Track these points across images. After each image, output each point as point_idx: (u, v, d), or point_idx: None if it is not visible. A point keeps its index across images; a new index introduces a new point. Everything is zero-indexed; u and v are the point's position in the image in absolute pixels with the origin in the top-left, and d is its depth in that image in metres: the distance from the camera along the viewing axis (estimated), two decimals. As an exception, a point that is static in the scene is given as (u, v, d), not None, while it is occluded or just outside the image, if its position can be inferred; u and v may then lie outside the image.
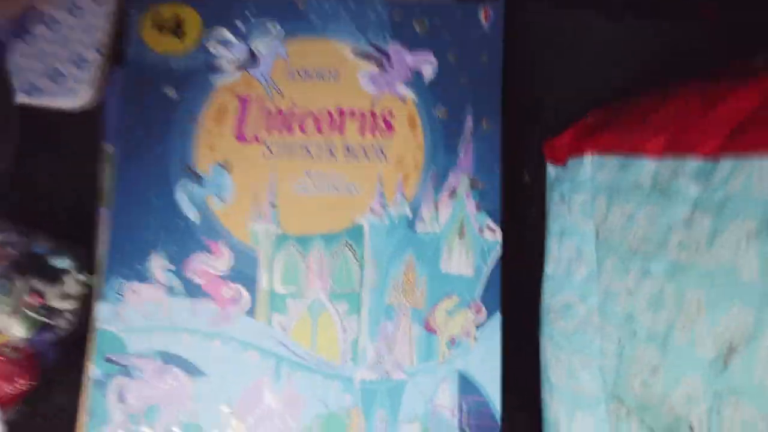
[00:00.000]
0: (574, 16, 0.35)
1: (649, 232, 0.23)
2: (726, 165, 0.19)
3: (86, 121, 0.33)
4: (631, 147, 0.26)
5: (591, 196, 0.28)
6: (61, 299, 0.30)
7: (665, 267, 0.21)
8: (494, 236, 0.31)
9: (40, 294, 0.30)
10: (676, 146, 0.23)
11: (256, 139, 0.32)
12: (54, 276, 0.31)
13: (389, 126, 0.32)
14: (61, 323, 0.30)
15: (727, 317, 0.17)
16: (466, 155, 0.31)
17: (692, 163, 0.21)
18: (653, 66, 0.34)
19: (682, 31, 0.34)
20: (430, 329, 0.30)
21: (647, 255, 0.22)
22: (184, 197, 0.31)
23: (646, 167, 0.24)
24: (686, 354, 0.19)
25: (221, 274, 0.30)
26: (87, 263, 0.32)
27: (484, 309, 0.30)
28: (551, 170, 0.33)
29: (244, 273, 0.31)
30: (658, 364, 0.20)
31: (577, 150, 0.30)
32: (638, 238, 0.23)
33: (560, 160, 0.32)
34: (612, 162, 0.27)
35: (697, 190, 0.20)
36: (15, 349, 0.29)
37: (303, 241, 0.31)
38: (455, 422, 0.30)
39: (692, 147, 0.21)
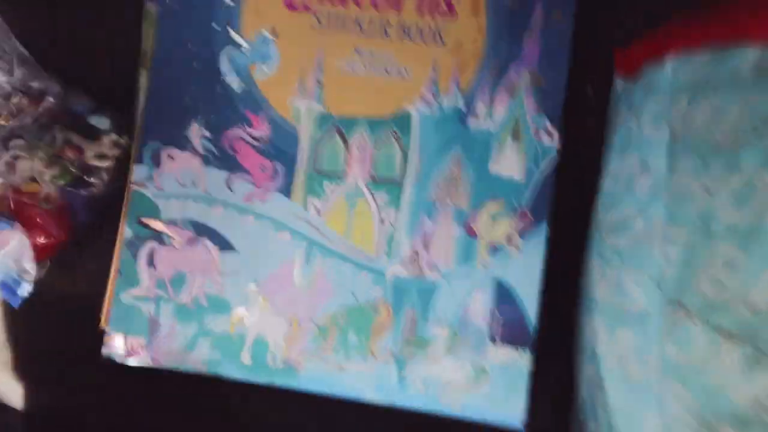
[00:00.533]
0: None
1: (742, 124, 0.20)
2: None
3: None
4: (729, 35, 0.23)
5: (669, 100, 0.25)
6: (97, 158, 0.30)
7: (760, 158, 0.18)
8: (551, 140, 0.28)
9: (78, 149, 0.29)
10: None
11: (306, 7, 0.29)
12: (92, 134, 0.30)
13: (451, 7, 0.29)
14: (96, 181, 0.30)
15: None
16: (531, 48, 0.29)
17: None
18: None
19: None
20: (471, 232, 0.29)
21: (736, 148, 0.20)
22: (226, 64, 0.29)
23: (749, 55, 0.21)
24: (779, 244, 0.17)
25: (259, 148, 0.29)
26: (125, 125, 0.31)
27: (531, 218, 0.28)
28: (619, 84, 0.30)
29: (282, 150, 0.29)
30: (738, 260, 0.18)
31: (657, 54, 0.27)
32: (726, 132, 0.21)
33: (632, 71, 0.29)
34: (700, 58, 0.24)
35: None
36: (48, 200, 0.29)
37: (346, 123, 0.29)
38: (486, 330, 0.28)
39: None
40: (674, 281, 0.22)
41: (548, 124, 0.29)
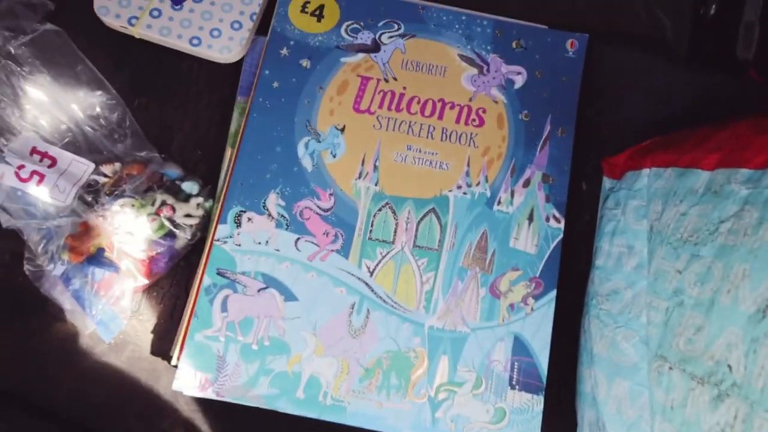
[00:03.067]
0: (638, 59, 0.41)
1: (699, 225, 0.28)
2: (774, 172, 0.25)
3: (226, 75, 0.39)
4: (687, 163, 0.32)
5: (646, 201, 0.34)
6: (185, 217, 0.36)
7: (714, 250, 0.26)
8: (558, 224, 0.36)
9: (172, 208, 0.35)
10: (729, 162, 0.28)
11: (370, 111, 0.37)
12: (183, 197, 0.36)
13: (481, 120, 0.38)
14: (182, 236, 0.35)
15: (767, 280, 0.22)
16: (542, 154, 0.37)
17: (744, 172, 0.26)
18: (698, 109, 0.40)
19: (728, 85, 0.40)
20: (494, 294, 0.35)
21: (697, 242, 0.28)
22: (303, 150, 0.37)
23: (701, 177, 0.30)
24: (729, 312, 0.24)
25: (324, 217, 0.36)
26: (209, 192, 0.37)
27: (543, 284, 0.35)
28: (606, 182, 0.39)
29: (343, 219, 0.36)
30: (702, 324, 0.25)
31: (636, 165, 0.36)
32: (689, 231, 0.29)
33: (616, 174, 0.38)
34: (668, 173, 0.33)
35: (746, 192, 0.26)
36: (143, 250, 0.34)
37: (397, 201, 0.36)
38: (506, 377, 0.34)
39: (743, 162, 0.27)
40: (658, 340, 0.28)
41: (555, 212, 0.37)
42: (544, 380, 0.34)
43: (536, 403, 0.34)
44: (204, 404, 0.34)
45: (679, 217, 0.30)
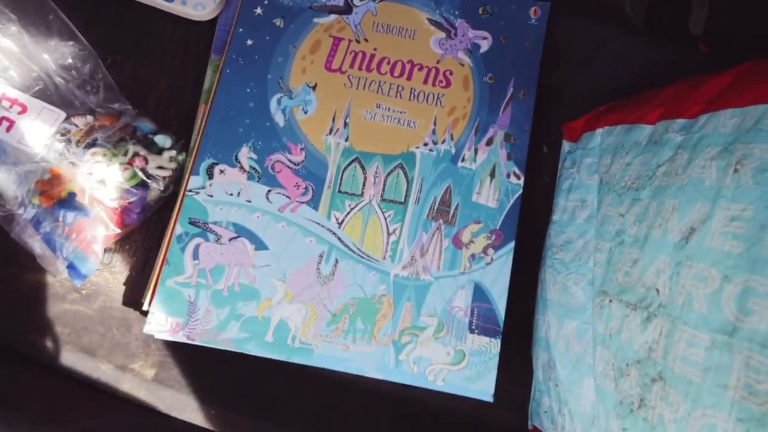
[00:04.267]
0: (598, 29, 0.43)
1: (641, 172, 0.30)
2: (702, 119, 0.27)
3: (201, 33, 0.40)
4: (634, 119, 0.34)
5: (598, 158, 0.36)
6: (158, 168, 0.36)
7: (651, 192, 0.29)
8: (518, 181, 0.38)
9: (144, 159, 0.36)
10: (669, 115, 0.31)
11: (341, 71, 0.39)
12: (156, 150, 0.37)
13: (448, 81, 0.39)
14: (154, 186, 0.36)
15: (692, 212, 0.25)
16: (504, 115, 0.39)
17: (680, 122, 0.29)
18: (652, 76, 0.43)
19: (680, 55, 0.43)
20: (457, 245, 0.37)
21: (638, 187, 0.30)
22: (275, 106, 0.38)
23: (645, 130, 0.32)
24: (659, 244, 0.26)
25: (295, 170, 0.37)
26: (182, 147, 0.38)
27: (502, 236, 0.37)
28: (565, 145, 0.41)
29: (313, 173, 0.37)
30: (638, 257, 0.27)
31: (592, 127, 0.39)
32: (632, 178, 0.31)
33: (574, 138, 0.40)
34: (618, 129, 0.35)
35: (680, 138, 0.28)
36: (114, 198, 0.35)
37: (365, 157, 0.38)
38: (466, 321, 0.36)
39: (680, 113, 0.30)
40: (601, 277, 0.31)
41: (516, 169, 0.39)
42: (502, 325, 0.36)
43: (493, 346, 0.36)
44: (175, 347, 0.35)
45: (624, 167, 0.33)
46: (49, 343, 0.33)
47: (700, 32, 0.45)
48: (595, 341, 0.30)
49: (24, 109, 0.33)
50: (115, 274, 0.37)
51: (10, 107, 0.33)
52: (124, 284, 0.37)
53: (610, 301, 0.29)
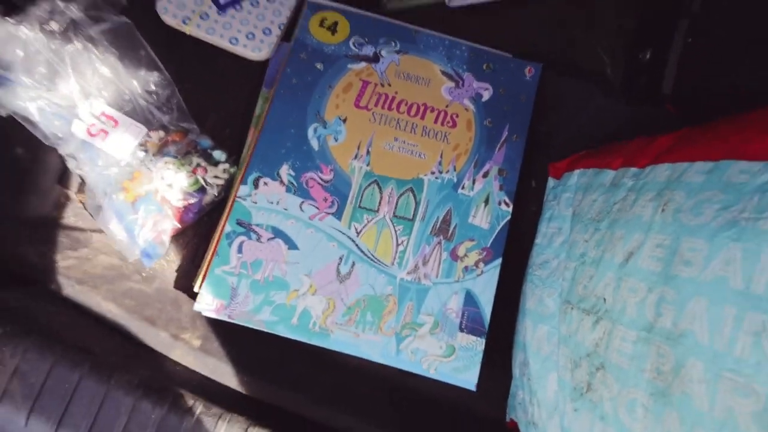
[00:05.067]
0: (582, 88, 0.52)
1: (602, 208, 0.38)
2: (648, 169, 0.35)
3: (255, 71, 0.49)
4: (603, 165, 0.42)
5: (573, 193, 0.44)
6: (214, 178, 0.45)
7: (607, 223, 0.36)
8: (507, 208, 0.46)
9: (204, 170, 0.44)
10: (627, 164, 0.39)
11: (367, 108, 0.47)
12: (213, 163, 0.45)
13: (454, 123, 0.48)
14: (210, 191, 0.44)
15: (632, 239, 0.32)
16: (499, 153, 0.47)
17: (633, 170, 0.37)
18: (626, 129, 0.51)
19: (649, 113, 0.51)
20: (453, 257, 0.45)
21: (599, 219, 0.38)
22: (312, 133, 0.46)
23: (609, 174, 0.40)
24: (608, 263, 0.34)
25: (324, 187, 0.45)
26: (234, 161, 0.46)
27: (492, 253, 0.45)
28: (551, 182, 0.49)
29: (339, 190, 0.45)
30: (594, 274, 0.35)
31: (572, 168, 0.47)
32: (596, 212, 0.39)
33: (558, 176, 0.48)
34: (590, 172, 0.43)
35: (631, 183, 0.36)
36: (179, 200, 0.43)
37: (382, 180, 0.46)
38: (457, 322, 0.43)
39: (634, 163, 0.38)
40: (567, 290, 0.38)
41: (506, 198, 0.46)
42: (487, 327, 0.43)
43: (479, 344, 0.43)
44: (217, 324, 0.43)
45: (591, 203, 0.40)
46: (119, 311, 0.41)
47: (669, 92, 0.53)
48: (559, 341, 0.37)
49: (116, 124, 0.42)
50: (170, 262, 0.45)
51: (106, 121, 0.42)
52: (176, 271, 0.45)
53: (572, 308, 0.36)
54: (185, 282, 0.44)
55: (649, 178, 0.34)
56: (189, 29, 0.47)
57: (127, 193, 0.41)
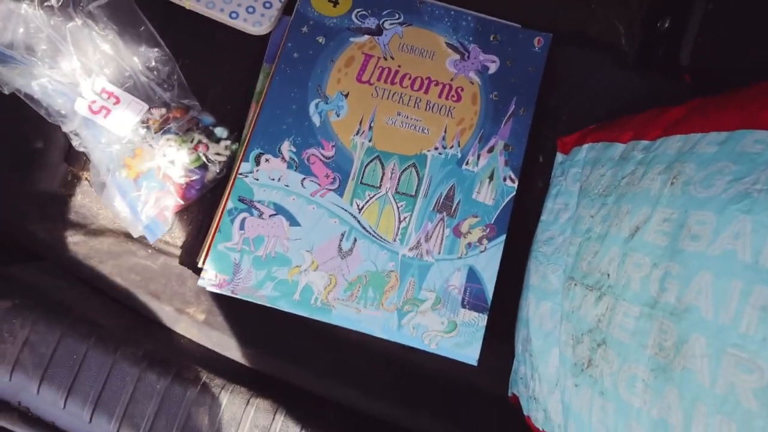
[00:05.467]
0: (594, 59, 0.50)
1: (610, 182, 0.37)
2: (658, 141, 0.33)
3: (255, 45, 0.48)
4: (612, 139, 0.41)
5: (581, 168, 0.43)
6: (216, 154, 0.45)
7: (614, 198, 0.35)
8: (512, 184, 0.45)
9: (206, 146, 0.44)
10: (636, 136, 0.37)
11: (369, 82, 0.46)
12: (214, 139, 0.45)
13: (459, 96, 0.46)
14: (212, 169, 0.44)
15: (639, 213, 0.31)
16: (505, 127, 0.46)
17: (643, 143, 0.35)
18: (637, 102, 0.49)
19: (662, 85, 0.49)
20: (456, 234, 0.44)
21: (606, 194, 0.36)
22: (313, 109, 0.46)
23: (619, 148, 0.39)
24: (613, 238, 0.33)
25: (326, 163, 0.45)
26: (235, 138, 0.46)
27: (495, 229, 0.44)
28: (559, 157, 0.48)
29: (341, 166, 0.45)
30: (599, 249, 0.34)
31: (580, 142, 0.45)
32: (603, 186, 0.38)
33: (566, 150, 0.47)
34: (599, 146, 0.42)
35: (641, 156, 0.35)
36: (181, 176, 0.43)
37: (385, 155, 0.45)
38: (459, 298, 0.43)
39: (644, 136, 0.36)
40: (570, 266, 0.37)
41: (512, 174, 0.45)
42: (489, 303, 0.43)
43: (481, 320, 0.43)
44: (220, 299, 0.43)
45: (599, 178, 0.39)
46: (125, 285, 0.42)
47: (688, 63, 0.51)
48: (562, 317, 0.37)
49: (118, 101, 0.42)
50: (174, 239, 0.46)
51: (108, 98, 0.42)
52: (181, 247, 0.46)
53: (575, 284, 0.36)
54: (190, 258, 0.45)
55: (659, 150, 0.33)
56: (188, 3, 0.46)
57: (129, 170, 0.41)
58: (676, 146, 0.32)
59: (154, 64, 0.44)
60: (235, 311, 0.43)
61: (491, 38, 0.48)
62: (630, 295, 0.29)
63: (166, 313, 0.42)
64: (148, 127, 0.43)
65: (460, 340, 0.42)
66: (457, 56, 0.47)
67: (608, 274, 0.32)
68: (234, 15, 0.46)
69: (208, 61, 0.48)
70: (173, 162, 0.43)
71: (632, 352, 0.28)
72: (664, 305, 0.27)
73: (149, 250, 0.45)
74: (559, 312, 0.38)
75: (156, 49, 0.44)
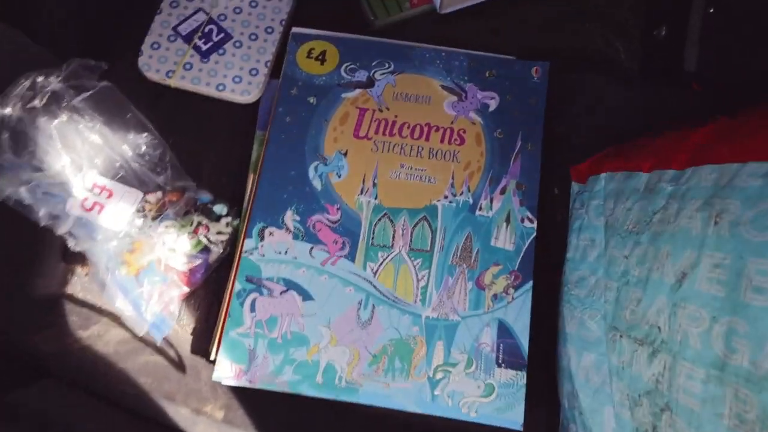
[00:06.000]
0: (596, 80, 0.47)
1: (639, 218, 0.34)
2: (688, 172, 0.31)
3: (246, 113, 0.47)
4: (632, 167, 0.38)
5: (603, 200, 0.40)
6: (217, 234, 0.42)
7: (649, 237, 0.32)
8: (531, 224, 0.42)
9: (206, 227, 0.42)
10: (660, 165, 0.34)
11: (367, 137, 0.44)
12: (214, 218, 0.43)
13: (462, 139, 0.44)
14: (215, 250, 0.42)
15: (682, 258, 0.28)
16: (515, 165, 0.44)
17: (670, 173, 0.33)
18: (648, 118, 0.46)
19: (673, 97, 0.46)
20: (480, 286, 0.41)
21: (638, 231, 0.34)
22: (313, 172, 0.44)
23: (642, 178, 0.36)
24: (657, 285, 0.30)
25: (333, 228, 0.42)
26: (236, 212, 0.44)
27: (521, 276, 0.41)
28: (574, 186, 0.45)
29: (349, 229, 0.42)
30: (641, 297, 0.31)
31: (596, 171, 0.43)
32: (633, 222, 0.35)
33: (582, 179, 0.44)
34: (619, 176, 0.39)
35: (671, 188, 0.32)
36: (184, 263, 0.41)
37: (393, 212, 0.43)
38: (493, 356, 0.40)
39: (669, 164, 0.33)
40: (611, 314, 0.34)
41: (529, 214, 0.43)
42: (526, 358, 0.40)
43: (520, 378, 0.39)
44: (239, 390, 0.41)
45: (625, 212, 0.36)
46: (136, 392, 0.39)
47: (693, 69, 0.48)
48: (611, 372, 0.33)
49: (111, 194, 0.40)
50: (184, 326, 0.43)
51: (100, 193, 0.40)
52: (192, 334, 0.43)
53: (621, 336, 0.33)
54: (201, 344, 0.42)
55: (691, 183, 0.30)
56: (173, 82, 0.45)
57: (129, 267, 0.39)
58: (710, 178, 0.29)
59: (144, 149, 0.42)
60: (256, 402, 0.40)
61: (487, 74, 0.46)
62: (691, 353, 0.26)
63: (182, 416, 0.39)
64: (144, 215, 0.41)
65: (501, 403, 0.39)
66: (455, 98, 0.45)
67: (659, 327, 0.29)
68: (221, 87, 0.45)
69: (199, 137, 0.46)
70: (174, 250, 0.41)
71: (706, 423, 0.25)
72: (736, 369, 0.24)
73: (158, 344, 0.42)
74: (606, 365, 0.34)
75: (145, 134, 0.42)
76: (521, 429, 0.38)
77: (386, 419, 0.40)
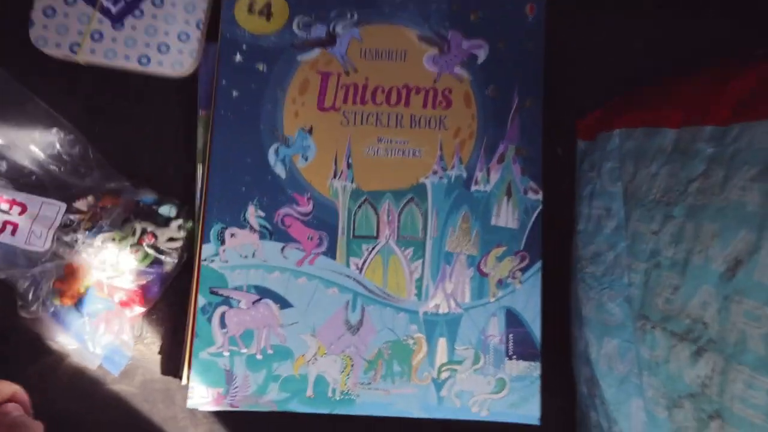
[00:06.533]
0: (602, 17, 0.40)
1: (670, 185, 0.29)
2: (734, 129, 0.25)
3: (183, 88, 0.38)
4: (654, 122, 0.32)
5: (619, 163, 0.34)
6: (168, 241, 0.36)
7: (685, 210, 0.27)
8: (536, 196, 0.37)
9: (153, 235, 0.35)
10: (693, 119, 0.28)
11: (335, 108, 0.37)
12: (162, 222, 0.36)
13: (448, 101, 0.37)
14: (168, 260, 0.36)
15: (735, 240, 0.23)
16: (513, 127, 0.37)
17: (708, 129, 0.27)
18: (666, 59, 0.40)
19: (694, 29, 0.39)
20: (482, 273, 0.36)
21: (669, 202, 0.28)
22: (274, 157, 0.36)
23: (669, 135, 0.30)
24: (702, 272, 0.25)
25: (306, 221, 0.36)
26: (188, 212, 0.37)
27: (528, 257, 0.36)
28: (581, 144, 0.39)
29: (324, 221, 0.36)
30: (679, 284, 0.26)
31: (607, 126, 0.36)
32: (661, 191, 0.29)
33: (589, 136, 0.38)
34: (638, 133, 0.33)
35: (711, 150, 0.26)
36: (132, 281, 0.35)
37: (375, 196, 0.36)
38: (503, 349, 0.36)
39: (706, 118, 0.27)
40: (638, 300, 0.30)
41: (533, 184, 0.37)
42: (539, 347, 0.36)
43: (534, 369, 0.35)
44: (221, 415, 0.36)
45: (650, 178, 0.31)
46: (104, 429, 0.34)
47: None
48: (641, 365, 0.29)
49: (24, 209, 0.33)
50: (149, 345, 0.37)
51: (10, 209, 0.32)
52: (159, 353, 0.37)
53: (653, 327, 0.28)
54: (172, 364, 0.37)
55: (741, 144, 0.24)
56: (81, 58, 0.35)
57: (63, 297, 0.32)
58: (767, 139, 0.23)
59: (58, 147, 0.34)
60: (241, 425, 0.36)
61: (472, 17, 0.38)
62: (750, 358, 0.22)
63: (158, 454, 0.34)
64: (74, 230, 0.34)
65: (515, 398, 0.35)
66: (435, 50, 0.37)
67: (704, 323, 0.24)
68: (144, 60, 0.36)
69: (127, 125, 0.38)
70: (116, 266, 0.34)
71: (769, 438, 0.21)
72: (813, 381, 0.20)
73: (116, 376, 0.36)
74: (632, 352, 0.30)
75: (55, 129, 0.34)
76: (539, 423, 0.35)
77: (389, 423, 0.36)
